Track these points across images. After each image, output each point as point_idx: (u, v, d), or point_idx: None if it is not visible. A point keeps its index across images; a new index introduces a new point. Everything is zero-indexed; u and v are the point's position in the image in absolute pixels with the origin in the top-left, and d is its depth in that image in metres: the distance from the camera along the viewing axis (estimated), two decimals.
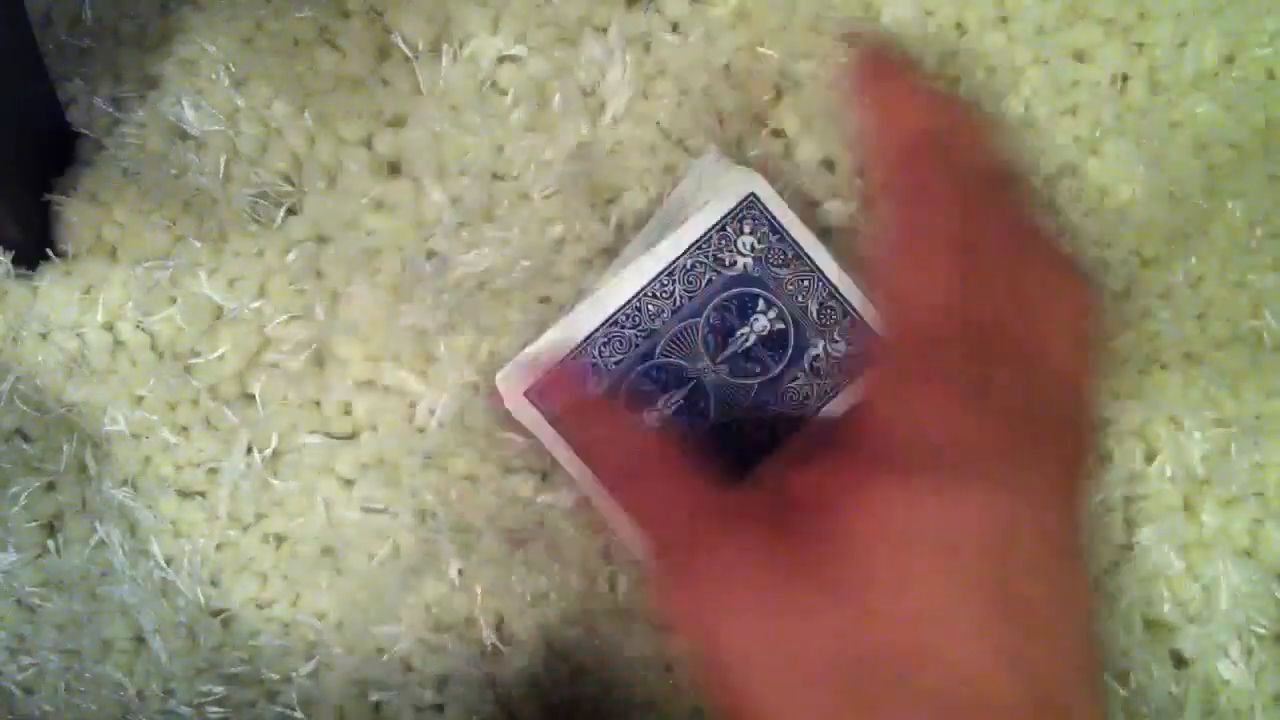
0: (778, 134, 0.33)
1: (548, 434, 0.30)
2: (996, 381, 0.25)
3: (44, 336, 0.32)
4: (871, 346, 0.28)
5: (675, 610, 0.26)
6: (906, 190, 0.29)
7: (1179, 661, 0.32)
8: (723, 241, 0.31)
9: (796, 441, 0.31)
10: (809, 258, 0.31)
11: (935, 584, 0.23)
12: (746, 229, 0.31)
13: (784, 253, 0.31)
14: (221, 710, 0.32)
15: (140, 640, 0.32)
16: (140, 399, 0.32)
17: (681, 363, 0.31)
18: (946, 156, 0.29)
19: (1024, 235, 0.29)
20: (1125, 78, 0.33)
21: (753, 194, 0.30)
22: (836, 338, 0.31)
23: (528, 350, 0.31)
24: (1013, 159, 0.32)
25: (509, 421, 0.31)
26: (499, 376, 0.31)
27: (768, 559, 0.24)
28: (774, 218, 0.31)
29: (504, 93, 0.33)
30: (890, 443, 0.24)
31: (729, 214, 0.31)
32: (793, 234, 0.31)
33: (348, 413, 0.32)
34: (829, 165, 0.33)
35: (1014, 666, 0.22)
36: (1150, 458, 0.32)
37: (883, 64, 0.31)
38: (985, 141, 0.31)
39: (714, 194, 0.31)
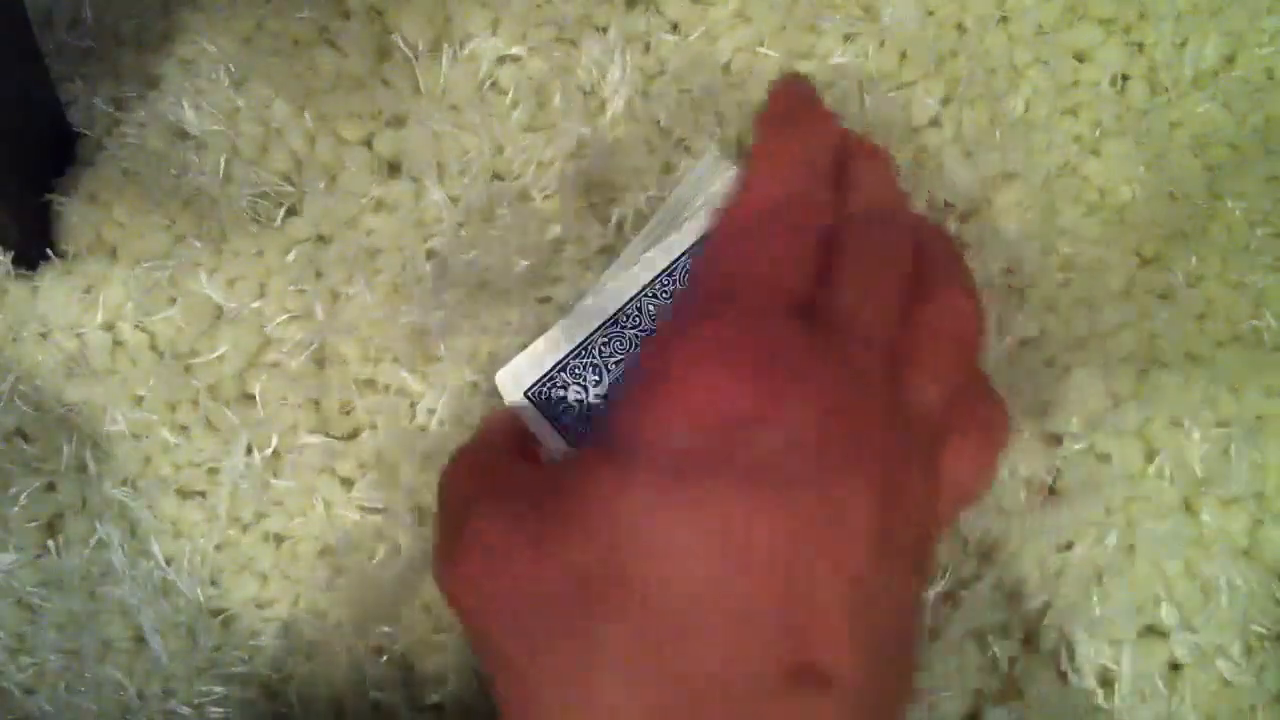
0: None
1: (546, 431, 0.30)
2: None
3: (44, 336, 0.32)
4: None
5: (439, 581, 0.24)
6: (764, 154, 0.26)
7: (1176, 663, 0.32)
8: None
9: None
10: None
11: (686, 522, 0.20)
12: None
13: None
14: (221, 710, 0.32)
15: (140, 640, 0.32)
16: (140, 399, 0.32)
17: None
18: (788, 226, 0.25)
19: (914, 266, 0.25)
20: (1125, 78, 0.33)
21: None
22: None
23: (528, 350, 0.31)
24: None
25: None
26: (499, 376, 0.31)
27: (514, 515, 0.23)
28: None
29: (504, 93, 0.33)
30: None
31: None
32: None
33: (348, 413, 0.32)
34: None
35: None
36: (1150, 458, 0.32)
37: (791, 105, 0.28)
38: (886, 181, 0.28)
39: (713, 194, 0.31)
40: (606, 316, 0.31)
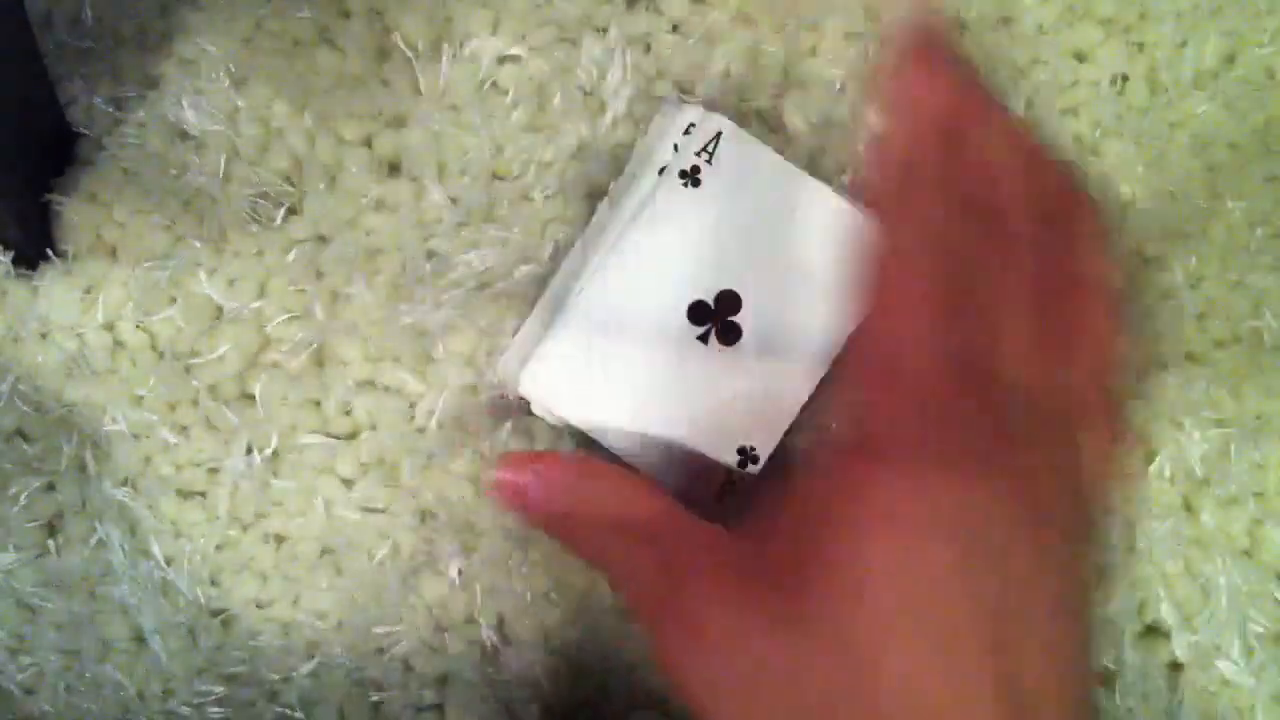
0: (778, 133, 0.33)
1: (558, 410, 0.31)
2: (996, 461, 0.23)
3: (44, 336, 0.32)
4: (841, 411, 0.25)
5: (660, 663, 0.25)
6: (893, 200, 0.26)
7: (1176, 663, 0.32)
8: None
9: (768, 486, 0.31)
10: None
11: (917, 611, 0.21)
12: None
13: None
14: (221, 710, 0.32)
15: (140, 640, 0.32)
16: (140, 399, 0.32)
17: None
18: (956, 166, 0.26)
19: (1057, 275, 0.26)
20: (1125, 78, 0.33)
21: (719, 133, 0.31)
22: None
23: (521, 332, 0.31)
24: (1074, 183, 0.28)
25: (500, 412, 0.31)
26: (500, 365, 0.31)
27: (737, 598, 0.23)
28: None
29: (504, 93, 0.33)
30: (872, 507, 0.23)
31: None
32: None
33: (348, 413, 0.32)
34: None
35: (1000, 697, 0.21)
36: (1150, 458, 0.32)
37: (921, 47, 0.27)
38: (1027, 155, 0.28)
39: (679, 140, 0.31)
40: (579, 280, 0.31)
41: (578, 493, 0.28)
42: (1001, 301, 0.25)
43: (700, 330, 0.31)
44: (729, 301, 0.31)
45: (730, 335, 0.31)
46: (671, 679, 0.24)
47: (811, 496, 0.24)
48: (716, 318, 0.31)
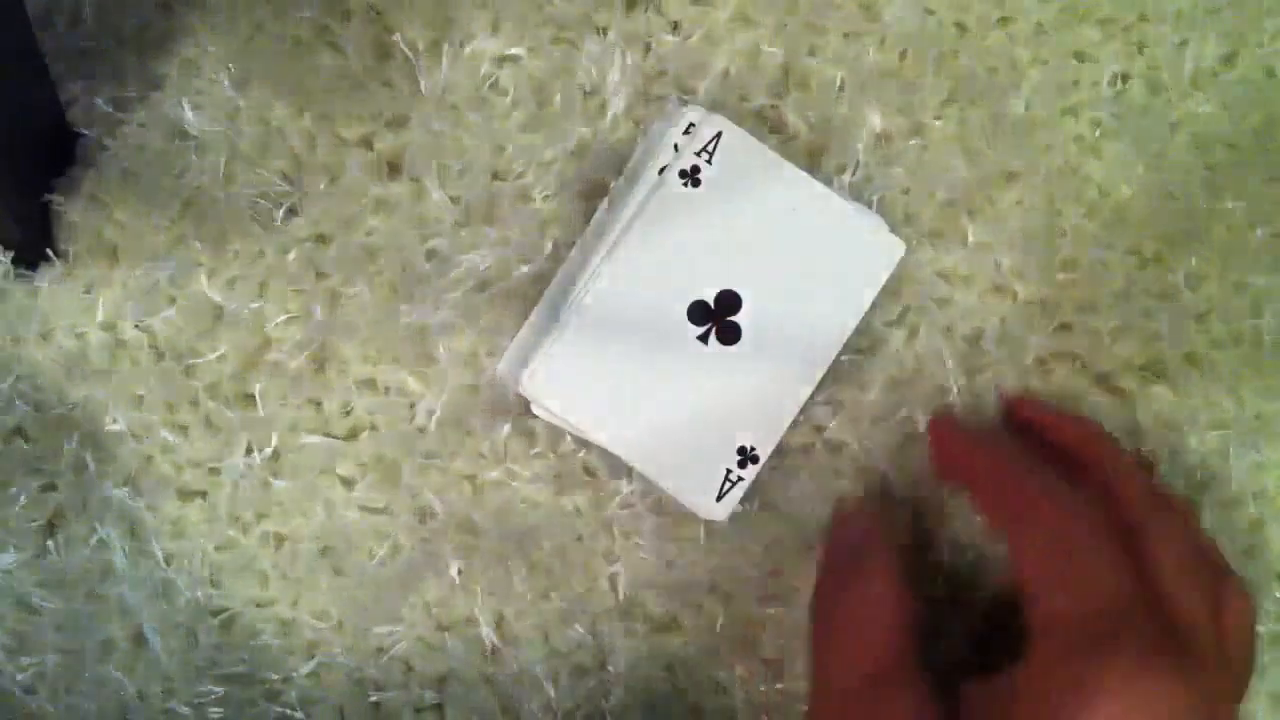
0: (778, 132, 0.33)
1: (585, 426, 0.31)
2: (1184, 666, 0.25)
3: (44, 336, 0.32)
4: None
5: None
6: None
7: None
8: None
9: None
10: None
11: None
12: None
13: None
14: (221, 710, 0.32)
15: (140, 640, 0.32)
16: (140, 399, 0.32)
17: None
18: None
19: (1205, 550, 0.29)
20: (1125, 78, 0.33)
21: (719, 133, 0.31)
22: None
23: (521, 332, 0.31)
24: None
25: (500, 412, 0.31)
26: (500, 366, 0.31)
27: None
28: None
29: (504, 93, 0.33)
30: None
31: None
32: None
33: (348, 413, 0.32)
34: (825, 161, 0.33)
35: None
36: (1150, 459, 0.32)
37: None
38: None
39: (678, 142, 0.31)
40: (579, 281, 0.31)
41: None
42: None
43: (700, 330, 0.31)
44: (729, 301, 0.31)
45: (730, 335, 0.31)
46: None
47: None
48: (716, 318, 0.31)
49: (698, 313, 0.31)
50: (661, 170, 0.31)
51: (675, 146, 0.31)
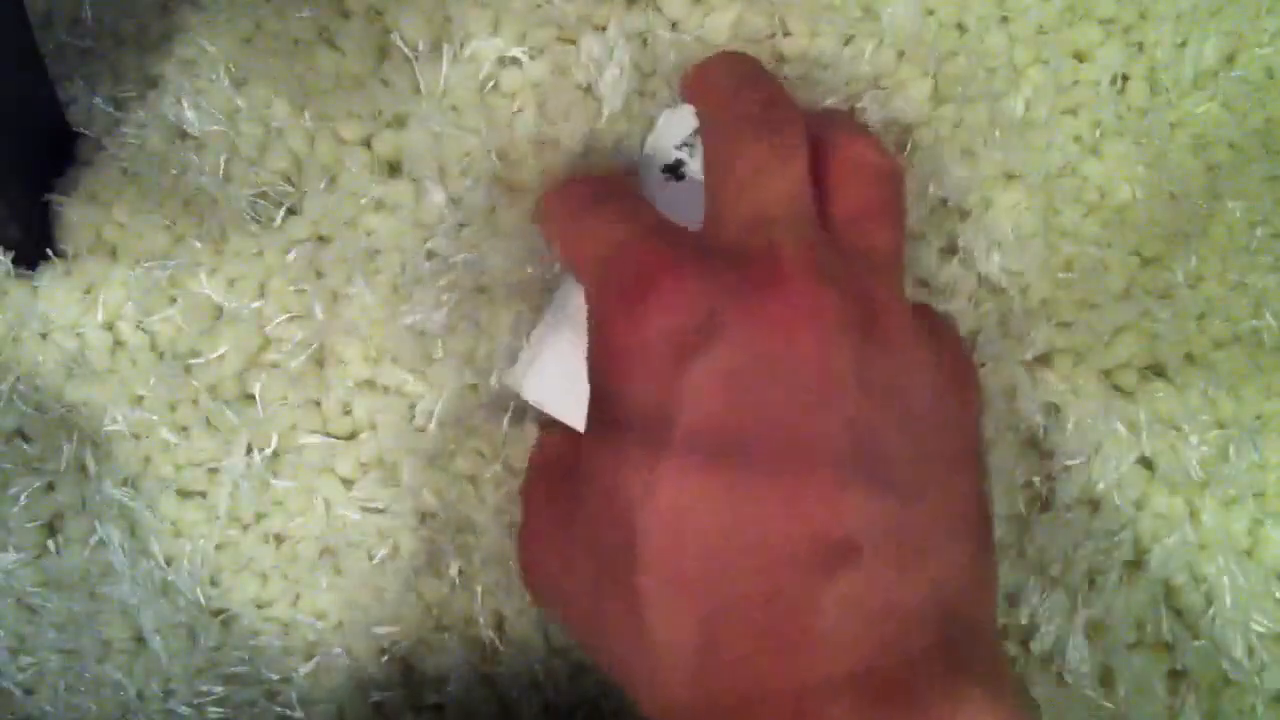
0: None
1: (570, 415, 0.30)
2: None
3: (44, 336, 0.32)
4: None
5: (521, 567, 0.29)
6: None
7: (1176, 664, 0.32)
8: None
9: None
10: None
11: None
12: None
13: None
14: (221, 710, 0.32)
15: (140, 640, 0.32)
16: (140, 399, 0.32)
17: None
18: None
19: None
20: (1125, 78, 0.33)
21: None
22: None
23: (533, 338, 0.31)
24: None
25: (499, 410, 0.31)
26: (508, 376, 0.31)
27: (550, 501, 0.29)
28: None
29: (505, 93, 0.33)
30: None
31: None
32: None
33: (348, 413, 0.32)
34: None
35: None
36: (1150, 459, 0.32)
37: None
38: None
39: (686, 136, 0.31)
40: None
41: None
42: None
43: None
44: None
45: None
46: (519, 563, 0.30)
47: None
48: None
49: None
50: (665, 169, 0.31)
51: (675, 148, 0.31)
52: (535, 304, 0.32)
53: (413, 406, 0.32)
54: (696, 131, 0.31)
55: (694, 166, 0.31)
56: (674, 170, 0.31)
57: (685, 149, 0.31)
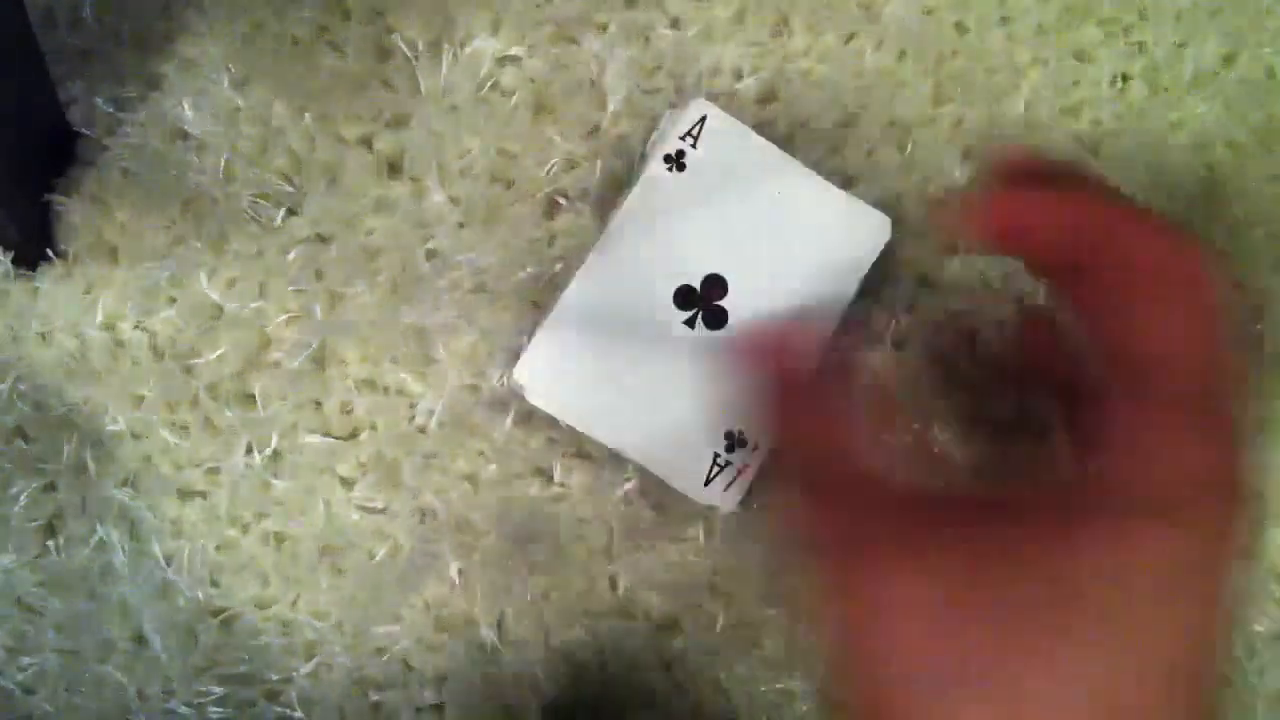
0: (770, 125, 0.33)
1: (575, 417, 0.30)
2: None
3: (44, 336, 0.32)
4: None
5: (834, 607, 0.22)
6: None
7: None
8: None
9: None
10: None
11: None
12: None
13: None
14: (221, 710, 0.32)
15: (140, 640, 0.32)
16: (140, 399, 0.32)
17: None
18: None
19: None
20: (1125, 78, 0.33)
21: (704, 117, 0.31)
22: None
23: (535, 338, 0.31)
24: None
25: (499, 409, 0.31)
26: (510, 376, 0.31)
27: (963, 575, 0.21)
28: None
29: (505, 93, 0.33)
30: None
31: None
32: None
33: (348, 413, 0.32)
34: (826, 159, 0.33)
35: None
36: None
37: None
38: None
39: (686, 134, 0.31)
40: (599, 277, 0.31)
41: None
42: None
43: (686, 315, 0.31)
44: (715, 285, 0.31)
45: (716, 319, 0.31)
46: (838, 617, 0.22)
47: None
48: (702, 302, 0.31)
49: (683, 297, 0.31)
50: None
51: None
52: (535, 304, 0.32)
53: (413, 406, 0.32)
54: (700, 123, 0.31)
55: (696, 155, 0.31)
56: (676, 160, 0.31)
57: (688, 139, 0.31)
